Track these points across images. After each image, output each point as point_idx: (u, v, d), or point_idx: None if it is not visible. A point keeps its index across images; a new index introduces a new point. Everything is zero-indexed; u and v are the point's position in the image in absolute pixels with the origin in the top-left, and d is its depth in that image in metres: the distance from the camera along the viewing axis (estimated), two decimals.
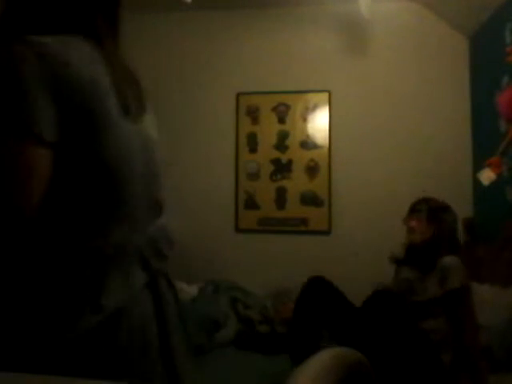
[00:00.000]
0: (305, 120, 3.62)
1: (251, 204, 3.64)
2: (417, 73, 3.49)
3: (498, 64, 2.79)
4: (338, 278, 2.62)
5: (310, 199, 3.56)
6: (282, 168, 3.62)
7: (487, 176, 2.66)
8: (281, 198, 3.61)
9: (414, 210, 2.38)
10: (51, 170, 0.77)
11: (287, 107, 3.65)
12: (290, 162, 3.61)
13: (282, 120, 3.65)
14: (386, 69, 3.53)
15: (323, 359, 0.69)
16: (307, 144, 3.60)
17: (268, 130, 3.66)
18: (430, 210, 2.31)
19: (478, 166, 3.04)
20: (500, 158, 2.66)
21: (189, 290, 3.17)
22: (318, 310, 2.24)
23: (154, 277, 0.93)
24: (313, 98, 3.62)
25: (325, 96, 3.59)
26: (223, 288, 3.25)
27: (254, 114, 3.69)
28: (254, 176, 3.66)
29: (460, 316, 2.03)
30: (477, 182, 2.94)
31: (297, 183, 3.59)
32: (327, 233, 3.52)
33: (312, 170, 3.58)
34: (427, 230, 2.27)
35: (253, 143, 3.68)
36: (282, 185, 3.62)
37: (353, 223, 3.49)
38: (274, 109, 3.66)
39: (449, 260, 2.15)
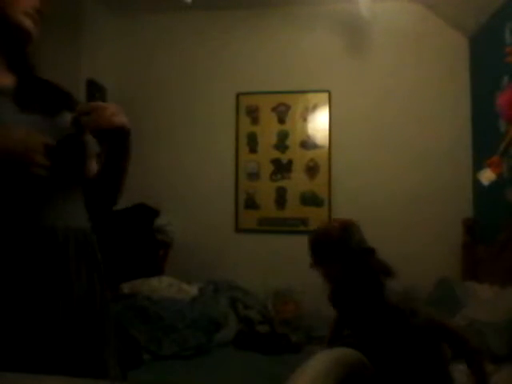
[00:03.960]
0: (305, 120, 3.62)
1: (251, 204, 3.64)
2: (417, 73, 3.49)
3: (498, 64, 2.79)
4: None
5: (309, 199, 3.56)
6: (282, 168, 3.62)
7: (487, 176, 2.66)
8: (281, 198, 3.61)
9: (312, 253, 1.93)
10: None
11: (287, 107, 3.65)
12: (290, 162, 3.61)
13: (281, 120, 3.65)
14: (385, 69, 3.53)
15: (323, 360, 0.69)
16: (307, 144, 3.60)
17: (268, 130, 3.66)
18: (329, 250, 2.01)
19: (478, 166, 3.04)
20: (500, 158, 2.66)
21: (189, 290, 3.17)
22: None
23: None
24: (313, 98, 3.62)
25: (325, 96, 3.59)
26: (223, 288, 3.25)
27: (253, 114, 3.69)
28: (253, 176, 3.65)
29: None
30: (477, 182, 2.94)
31: (297, 183, 3.59)
32: None
33: (312, 169, 3.58)
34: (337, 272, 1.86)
35: (253, 143, 3.68)
36: (281, 185, 3.61)
37: None
38: (274, 109, 3.66)
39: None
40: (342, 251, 1.80)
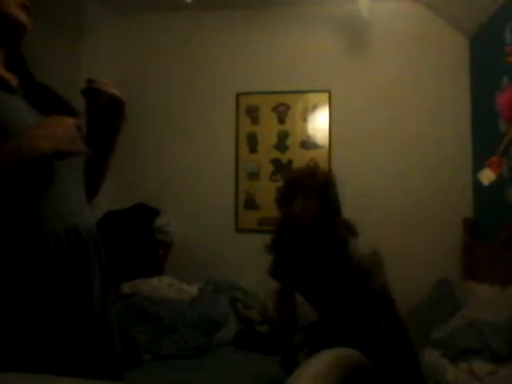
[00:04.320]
0: (305, 120, 3.62)
1: (251, 204, 3.64)
2: (417, 73, 3.49)
3: (498, 64, 2.79)
4: None
5: None
6: (281, 168, 3.62)
7: (487, 176, 2.66)
8: None
9: (297, 188, 1.81)
10: None
11: (287, 107, 3.64)
12: (290, 162, 3.61)
13: (281, 120, 3.65)
14: (385, 69, 3.53)
15: (323, 360, 0.69)
16: (307, 144, 3.60)
17: (268, 130, 3.66)
18: (316, 187, 1.78)
19: (478, 166, 3.04)
20: (500, 158, 2.66)
21: (189, 290, 3.17)
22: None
23: None
24: (313, 98, 3.61)
25: (325, 96, 3.58)
26: (223, 288, 3.25)
27: (253, 114, 3.69)
28: (253, 176, 3.65)
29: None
30: (477, 182, 2.94)
31: None
32: None
33: None
34: (317, 210, 1.75)
35: (253, 143, 3.68)
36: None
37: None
38: (274, 109, 3.66)
39: (361, 256, 1.76)
40: (321, 195, 1.76)
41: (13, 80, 1.08)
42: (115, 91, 1.14)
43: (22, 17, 1.07)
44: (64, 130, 0.95)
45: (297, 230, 1.76)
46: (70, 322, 1.01)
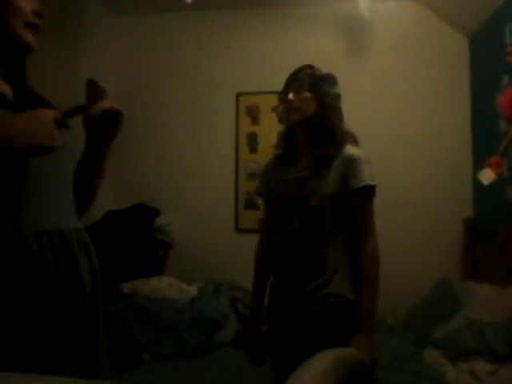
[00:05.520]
0: None
1: (251, 204, 3.63)
2: (417, 73, 3.49)
3: (498, 64, 2.79)
4: None
5: None
6: None
7: (487, 176, 2.66)
8: None
9: (292, 80, 1.77)
10: None
11: None
12: None
13: (282, 120, 3.65)
14: (386, 69, 3.53)
15: (323, 360, 0.69)
16: None
17: (268, 130, 3.65)
18: (311, 79, 1.70)
19: (478, 166, 3.04)
20: (500, 158, 2.66)
21: (189, 290, 3.17)
22: None
23: None
24: None
25: None
26: (223, 288, 3.25)
27: (253, 114, 3.69)
28: (253, 176, 3.65)
29: (363, 218, 1.69)
30: (477, 182, 2.94)
31: None
32: None
33: None
34: (310, 104, 1.67)
35: (253, 143, 3.68)
36: None
37: None
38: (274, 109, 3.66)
39: (356, 151, 1.71)
40: (316, 88, 1.71)
41: (8, 92, 1.06)
42: (112, 105, 1.10)
43: (28, 36, 1.04)
44: (40, 125, 0.91)
45: (291, 124, 1.70)
46: (58, 321, 1.01)
